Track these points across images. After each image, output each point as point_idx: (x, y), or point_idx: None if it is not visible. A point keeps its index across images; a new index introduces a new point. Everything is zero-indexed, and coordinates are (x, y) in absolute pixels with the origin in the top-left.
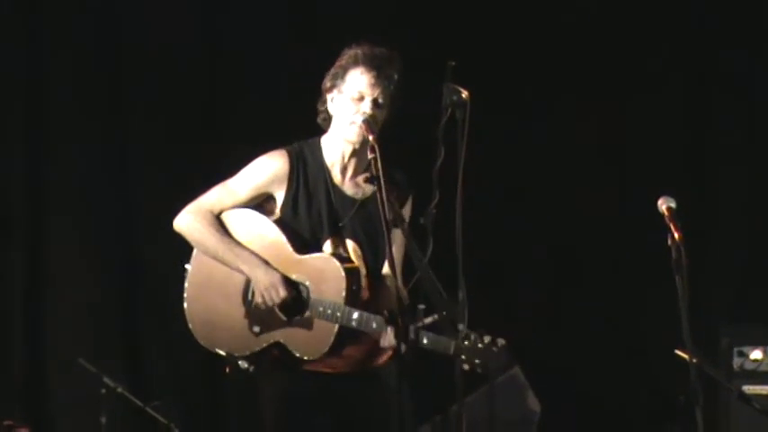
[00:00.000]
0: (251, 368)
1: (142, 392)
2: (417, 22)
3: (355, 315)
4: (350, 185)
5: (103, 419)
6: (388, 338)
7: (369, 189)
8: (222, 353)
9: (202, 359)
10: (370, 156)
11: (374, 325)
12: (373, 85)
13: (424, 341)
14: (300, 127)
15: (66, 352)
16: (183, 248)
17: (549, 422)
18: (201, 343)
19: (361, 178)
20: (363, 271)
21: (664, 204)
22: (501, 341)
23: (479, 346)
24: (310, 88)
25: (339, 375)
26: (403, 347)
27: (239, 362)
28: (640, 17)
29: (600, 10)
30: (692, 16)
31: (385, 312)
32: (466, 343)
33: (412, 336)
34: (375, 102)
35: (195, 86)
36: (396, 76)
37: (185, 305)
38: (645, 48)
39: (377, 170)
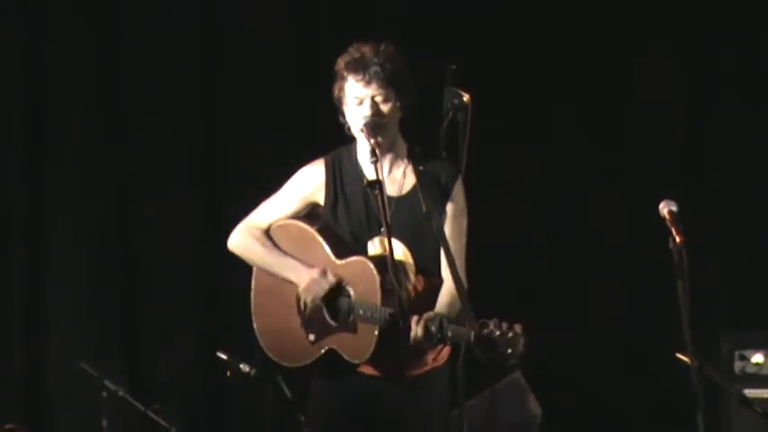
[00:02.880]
0: (252, 371)
1: (143, 396)
2: (415, 24)
3: (389, 314)
4: (387, 183)
5: (105, 423)
6: (417, 329)
7: (407, 184)
8: (224, 356)
9: (203, 362)
10: (371, 160)
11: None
12: (364, 87)
13: (449, 334)
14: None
15: (66, 355)
16: (183, 251)
17: (550, 426)
18: (273, 358)
19: (398, 173)
20: (412, 268)
21: (665, 208)
22: (517, 326)
23: (497, 333)
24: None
25: (385, 380)
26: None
27: (240, 365)
28: (636, 8)
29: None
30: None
31: (388, 312)
32: (484, 332)
33: (435, 328)
34: (373, 100)
35: (196, 86)
36: (385, 65)
37: (254, 324)
38: (642, 46)
39: (377, 175)
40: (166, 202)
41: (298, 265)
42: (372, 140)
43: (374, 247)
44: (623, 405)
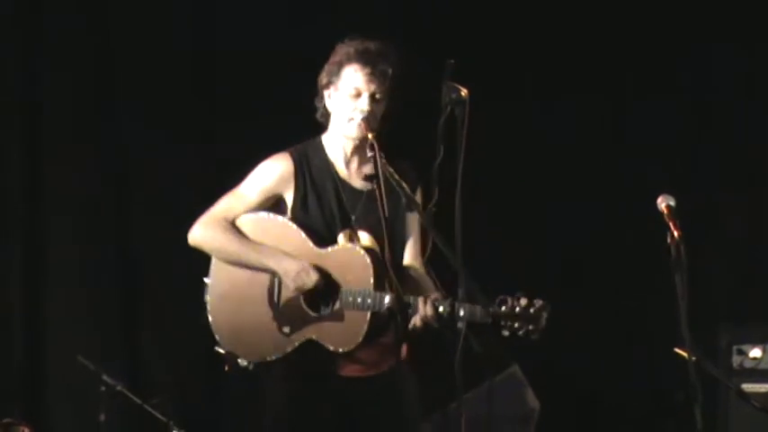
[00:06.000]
0: (250, 366)
1: (141, 390)
2: (416, 18)
3: (387, 299)
4: (357, 178)
5: (102, 417)
6: (426, 309)
7: None
8: (222, 351)
9: (201, 357)
10: (369, 154)
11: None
12: (369, 81)
13: (461, 313)
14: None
15: (65, 350)
16: (181, 248)
17: (547, 420)
18: (237, 355)
19: (367, 168)
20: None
21: (663, 203)
22: (538, 302)
23: (517, 310)
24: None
25: (365, 378)
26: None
27: (239, 360)
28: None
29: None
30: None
31: (388, 298)
32: (503, 309)
33: (448, 309)
34: (372, 97)
35: (196, 86)
36: (391, 69)
37: (210, 318)
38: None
39: (375, 168)
40: (166, 202)
41: (277, 251)
42: (371, 134)
43: (344, 238)
44: (621, 399)
